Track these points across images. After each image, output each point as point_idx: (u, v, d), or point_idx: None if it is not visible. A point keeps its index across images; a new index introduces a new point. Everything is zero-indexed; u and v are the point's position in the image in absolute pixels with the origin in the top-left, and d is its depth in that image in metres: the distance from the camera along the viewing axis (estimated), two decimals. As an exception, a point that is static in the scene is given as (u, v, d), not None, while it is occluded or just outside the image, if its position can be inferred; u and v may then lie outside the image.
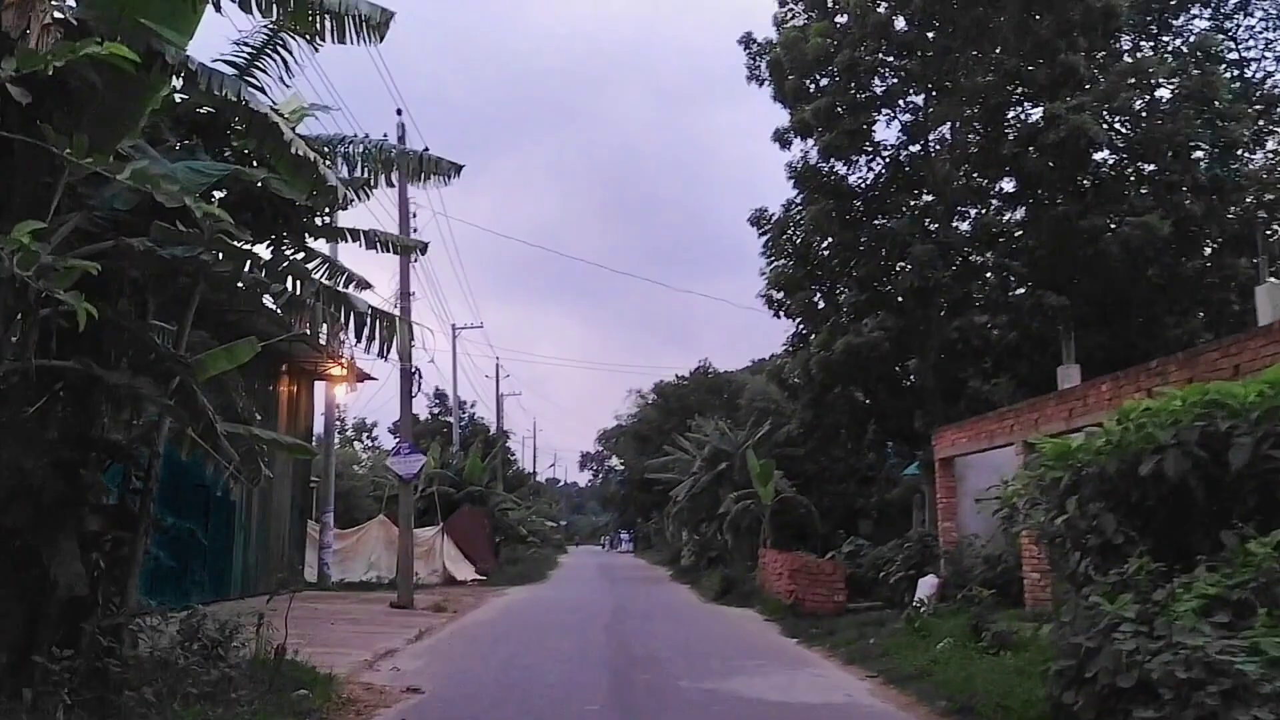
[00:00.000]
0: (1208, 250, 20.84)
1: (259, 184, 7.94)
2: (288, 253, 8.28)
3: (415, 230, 23.20)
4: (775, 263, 21.89)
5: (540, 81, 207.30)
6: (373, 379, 27.49)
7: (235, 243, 6.90)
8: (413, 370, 22.36)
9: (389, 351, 7.85)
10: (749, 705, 9.71)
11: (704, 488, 34.44)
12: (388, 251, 9.70)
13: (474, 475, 38.49)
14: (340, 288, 8.24)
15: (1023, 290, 20.10)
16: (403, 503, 22.97)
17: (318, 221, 9.35)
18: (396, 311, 22.64)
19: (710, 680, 11.19)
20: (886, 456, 34.52)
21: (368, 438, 67.88)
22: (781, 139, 21.70)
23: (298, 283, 7.30)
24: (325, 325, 7.32)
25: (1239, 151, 21.60)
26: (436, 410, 66.86)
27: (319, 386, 27.66)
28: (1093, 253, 20.37)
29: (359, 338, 7.73)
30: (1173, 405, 7.39)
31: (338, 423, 63.87)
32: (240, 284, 7.28)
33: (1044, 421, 14.01)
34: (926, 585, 17.47)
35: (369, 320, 7.77)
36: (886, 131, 21.27)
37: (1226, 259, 20.03)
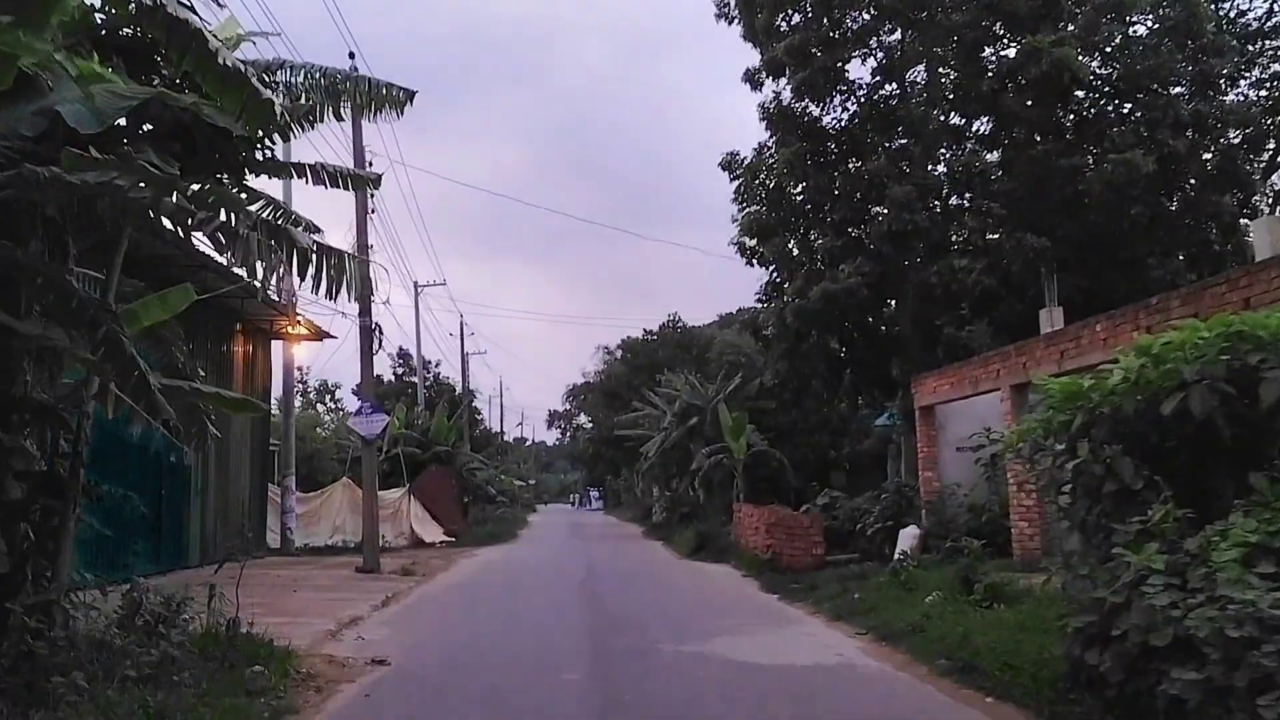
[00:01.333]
0: (1189, 187, 20.36)
1: (188, 110, 7.06)
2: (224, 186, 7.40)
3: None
4: (747, 209, 21.19)
5: (494, 31, 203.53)
6: (332, 337, 26.71)
7: (156, 170, 6.07)
8: (373, 326, 21.46)
9: (338, 293, 7.06)
10: (737, 669, 9.15)
11: (675, 443, 33.98)
12: (337, 186, 8.82)
13: (440, 435, 37.71)
14: (283, 224, 7.37)
15: (1001, 233, 19.52)
16: (365, 464, 22.19)
17: (259, 156, 8.47)
18: (349, 249, 21.84)
19: (693, 642, 10.63)
20: (858, 408, 34.27)
21: (331, 400, 66.68)
22: (752, 79, 20.91)
23: (230, 215, 6.47)
24: (262, 261, 6.49)
25: (1221, 85, 21.09)
26: (401, 371, 65.80)
27: (276, 347, 26.76)
28: (1073, 193, 19.88)
29: (303, 276, 6.93)
30: (1197, 338, 6.80)
31: (300, 385, 62.77)
32: (161, 215, 6.41)
33: (1033, 365, 13.50)
34: (908, 537, 17.06)
35: (315, 257, 6.96)
36: (861, 70, 20.55)
37: (1209, 197, 19.58)
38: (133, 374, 6.68)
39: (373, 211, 22.09)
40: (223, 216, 6.55)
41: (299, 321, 24.45)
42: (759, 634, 11.40)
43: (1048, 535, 14.39)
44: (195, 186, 6.41)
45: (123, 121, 7.33)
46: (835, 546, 20.04)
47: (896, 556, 16.40)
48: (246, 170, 8.52)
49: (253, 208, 7.62)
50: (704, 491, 33.01)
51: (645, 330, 54.84)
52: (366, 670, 9.44)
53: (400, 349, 64.40)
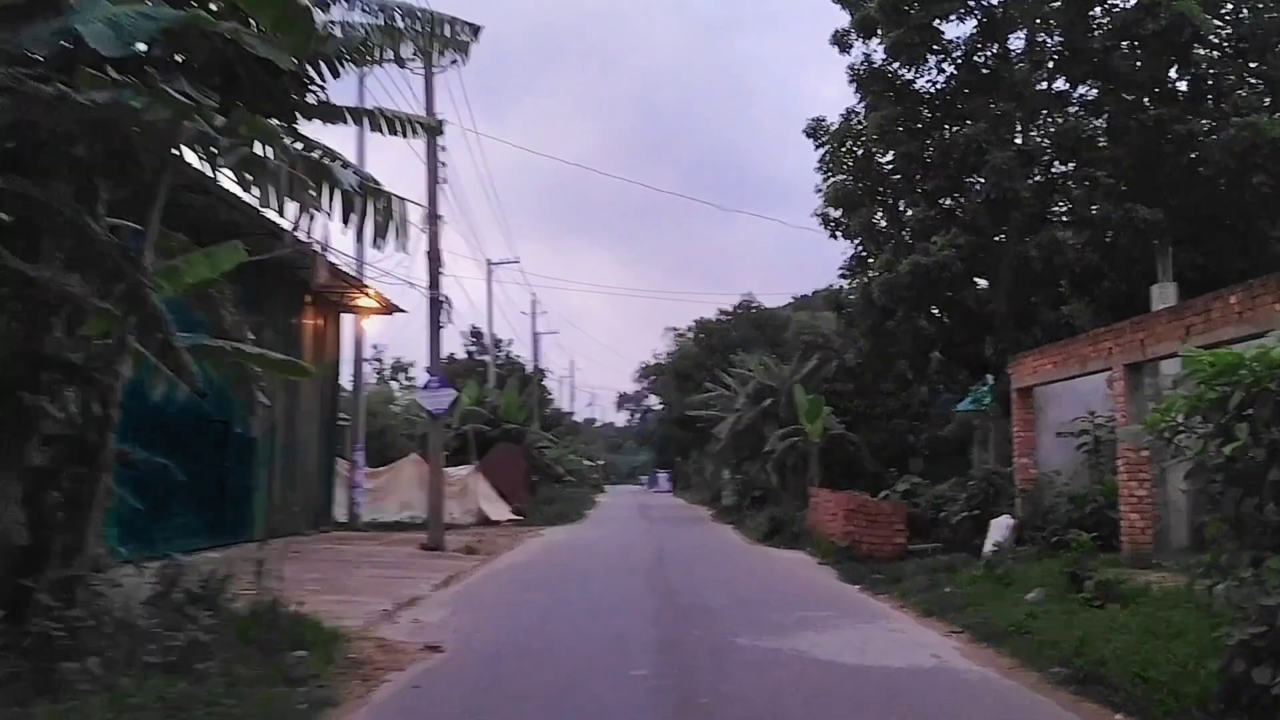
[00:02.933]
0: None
1: (229, 40, 6.34)
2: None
3: (443, 148, 21.57)
4: (833, 178, 20.04)
5: (562, 12, 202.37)
6: (402, 311, 26.25)
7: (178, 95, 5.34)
8: (441, 299, 20.91)
9: (386, 240, 6.30)
10: (822, 669, 8.24)
11: (748, 425, 33.04)
12: (398, 134, 8.07)
13: (510, 413, 37.31)
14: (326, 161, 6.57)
15: (1108, 204, 18.08)
16: (432, 439, 21.71)
17: (310, 99, 7.74)
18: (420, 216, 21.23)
19: (772, 636, 9.74)
20: (938, 392, 32.92)
21: (405, 377, 66.99)
22: (841, 41, 19.73)
23: (263, 147, 5.74)
24: (295, 199, 5.74)
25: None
26: (473, 349, 65.85)
27: (346, 320, 26.45)
28: (1187, 161, 18.35)
29: (346, 219, 6.18)
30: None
31: (375, 362, 63.19)
32: (182, 143, 5.71)
33: (1152, 341, 12.25)
34: (1000, 527, 15.87)
35: (360, 199, 6.19)
36: (959, 29, 19.18)
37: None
38: (156, 329, 5.99)
39: (444, 181, 21.49)
40: (258, 151, 5.80)
41: (368, 292, 24.06)
42: (843, 629, 10.45)
43: (1162, 529, 13.18)
44: (221, 115, 5.66)
45: (155, 51, 6.65)
46: (916, 535, 18.95)
47: (989, 548, 15.25)
48: (297, 114, 7.79)
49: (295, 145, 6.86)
50: (777, 475, 32.02)
51: (719, 310, 53.74)
52: (419, 657, 8.75)
53: (472, 327, 64.37)
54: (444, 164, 21.45)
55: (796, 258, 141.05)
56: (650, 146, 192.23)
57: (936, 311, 19.97)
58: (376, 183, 6.62)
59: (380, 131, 7.93)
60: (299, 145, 7.11)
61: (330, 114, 7.90)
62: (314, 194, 5.96)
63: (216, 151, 5.72)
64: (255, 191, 5.89)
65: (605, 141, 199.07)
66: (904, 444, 33.24)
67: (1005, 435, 24.52)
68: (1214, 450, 6.43)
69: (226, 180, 6.20)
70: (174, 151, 6.83)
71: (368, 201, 6.30)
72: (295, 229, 6.02)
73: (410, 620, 10.94)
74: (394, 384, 59.08)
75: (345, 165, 8.00)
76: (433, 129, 8.59)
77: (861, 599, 13.37)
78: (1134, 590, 10.19)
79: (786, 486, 30.68)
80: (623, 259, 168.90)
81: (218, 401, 17.39)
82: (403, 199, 6.60)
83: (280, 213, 5.95)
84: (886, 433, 32.55)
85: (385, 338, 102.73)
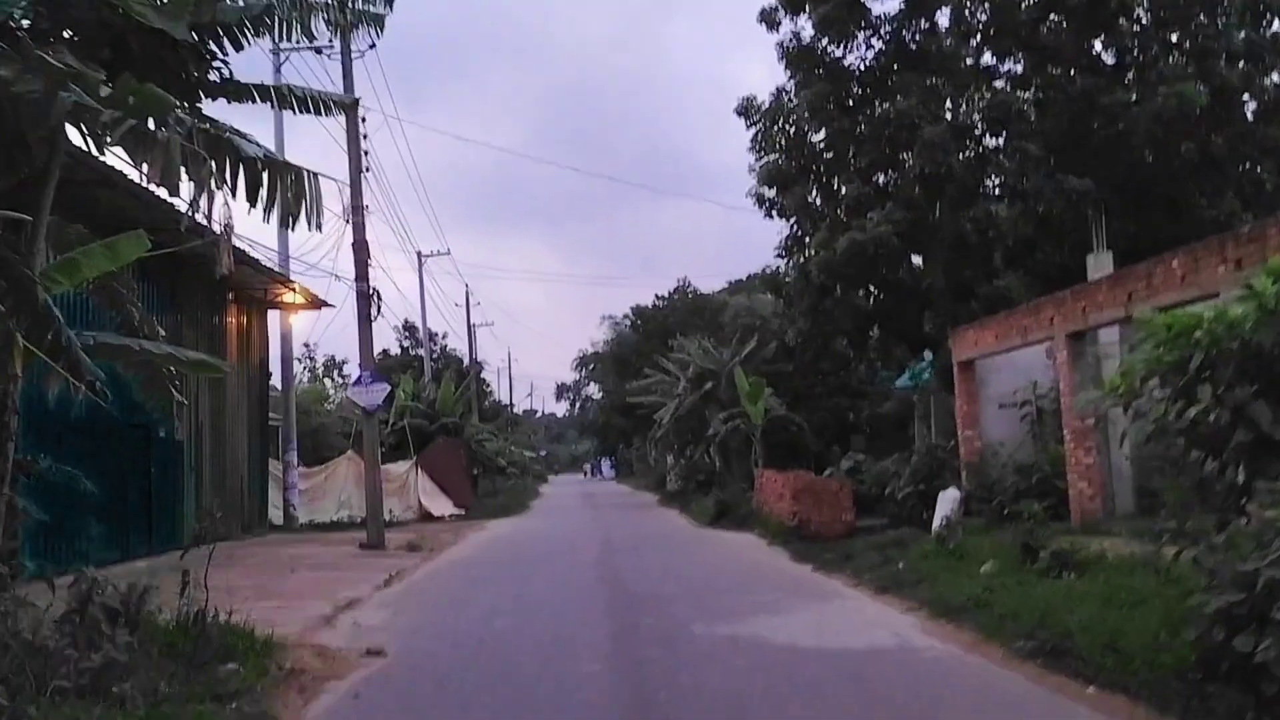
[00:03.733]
0: (1240, 123, 18.91)
1: (116, 6, 5.80)
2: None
3: (365, 135, 20.87)
4: (766, 157, 19.81)
5: (497, 4, 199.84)
6: (330, 305, 25.55)
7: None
8: (370, 290, 20.25)
9: (297, 220, 5.82)
10: (782, 655, 7.97)
11: (690, 409, 32.85)
12: (313, 112, 7.57)
13: (447, 406, 36.63)
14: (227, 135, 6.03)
15: (1040, 175, 18.12)
16: (367, 436, 21.05)
17: (212, 76, 7.19)
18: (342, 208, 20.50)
19: (727, 622, 9.47)
20: (875, 370, 33.08)
21: (338, 374, 65.72)
22: (769, 19, 19.50)
23: (153, 122, 5.22)
24: (190, 172, 5.23)
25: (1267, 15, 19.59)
26: (407, 344, 64.79)
27: (273, 317, 25.60)
28: (1115, 132, 18.48)
29: (253, 199, 5.68)
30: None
31: (307, 360, 61.73)
32: (63, 119, 5.17)
33: (1094, 309, 12.23)
34: (948, 501, 15.83)
35: (266, 172, 5.70)
36: (887, 4, 19.08)
37: (1265, 131, 18.17)
38: (48, 327, 5.45)
39: (367, 169, 20.82)
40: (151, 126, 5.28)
41: (293, 287, 23.29)
42: (799, 611, 10.23)
43: (1108, 496, 13.20)
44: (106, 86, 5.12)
45: (37, 23, 6.08)
46: (864, 512, 18.93)
47: (938, 522, 15.22)
48: (200, 92, 7.24)
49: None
50: (720, 458, 31.91)
51: (656, 295, 53.49)
52: (359, 663, 8.30)
53: (406, 321, 63.33)
54: (367, 151, 20.77)
55: (731, 243, 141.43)
56: (581, 136, 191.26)
57: (874, 288, 19.89)
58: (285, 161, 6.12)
59: (292, 109, 7.41)
60: (203, 126, 6.56)
61: (236, 92, 7.35)
62: (213, 169, 5.42)
63: (101, 128, 5.15)
64: (145, 169, 5.32)
65: (535, 132, 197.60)
66: (844, 422, 33.37)
67: (946, 410, 24.66)
68: (1175, 414, 6.28)
69: (135, 171, 5.59)
70: (65, 135, 6.26)
71: (276, 176, 5.81)
72: (193, 209, 5.48)
73: (350, 624, 10.44)
74: (327, 382, 57.88)
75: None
76: (349, 106, 7.99)
77: (815, 579, 13.19)
78: (1089, 558, 10.14)
79: (731, 469, 30.57)
80: (556, 249, 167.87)
81: (137, 406, 16.80)
82: (315, 174, 6.11)
83: (174, 192, 5.42)
84: (827, 411, 32.63)
85: (316, 335, 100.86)
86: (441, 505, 30.72)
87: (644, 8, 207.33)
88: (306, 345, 64.38)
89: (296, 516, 24.72)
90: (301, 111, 7.46)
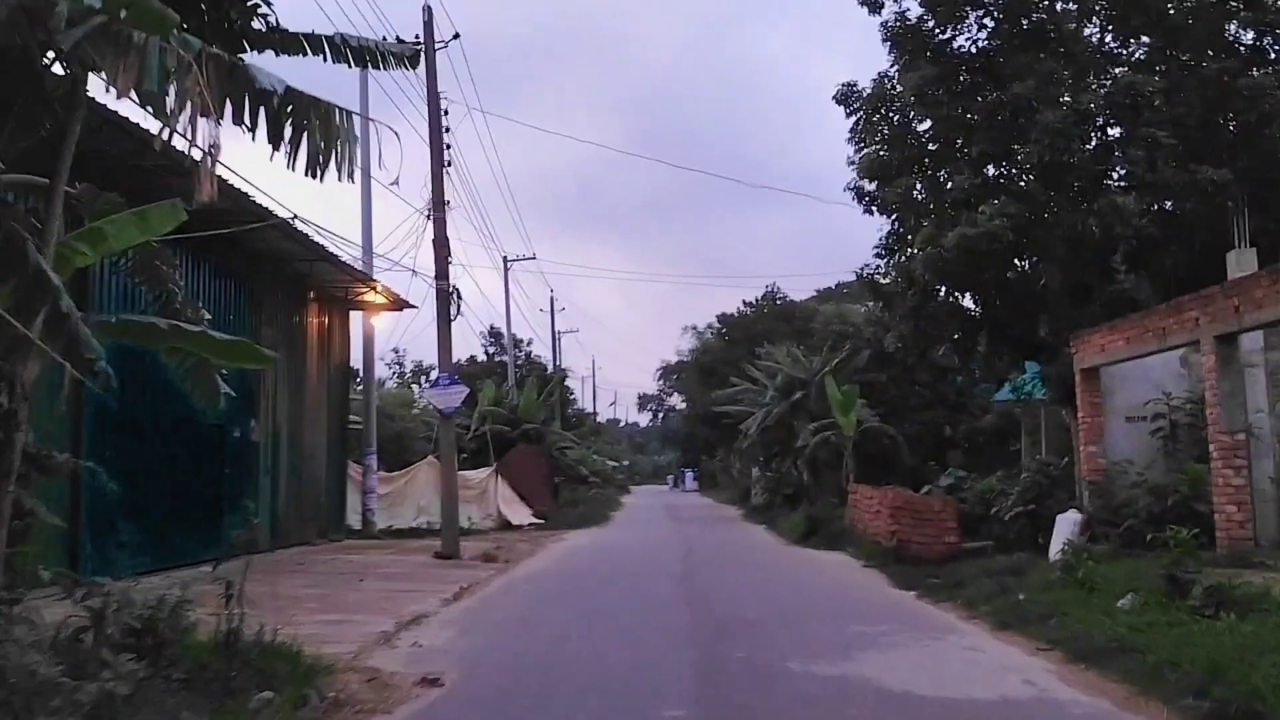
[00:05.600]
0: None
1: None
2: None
3: (448, 129, 20.23)
4: (866, 148, 18.50)
5: (572, 8, 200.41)
6: (412, 306, 25.01)
7: None
8: (450, 289, 19.59)
9: (327, 167, 4.93)
10: (898, 704, 6.79)
11: (777, 419, 31.66)
12: (370, 65, 6.68)
13: (529, 412, 36.00)
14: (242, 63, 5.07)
15: (1170, 167, 16.48)
16: (444, 440, 20.39)
17: (256, 25, 6.35)
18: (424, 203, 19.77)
19: (829, 659, 8.30)
20: (975, 382, 31.48)
21: (425, 380, 65.94)
22: (871, 1, 18.22)
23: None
24: (177, 93, 4.32)
25: None
26: (492, 350, 64.75)
27: (355, 318, 25.22)
28: (1256, 117, 16.74)
29: (275, 141, 4.79)
30: None
31: (395, 365, 62.05)
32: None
33: (1249, 308, 10.73)
34: (1067, 523, 14.38)
35: (285, 110, 4.80)
36: (1001, -19, 17.58)
37: None
38: (46, 299, 4.63)
39: (449, 164, 20.16)
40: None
41: (375, 287, 22.79)
42: (909, 647, 9.00)
43: (1269, 522, 11.65)
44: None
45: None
46: (966, 533, 17.51)
47: (1057, 547, 13.78)
48: (244, 42, 6.40)
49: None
50: (809, 471, 30.64)
51: (743, 302, 52.25)
52: (413, 694, 7.38)
53: (491, 327, 63.29)
54: (449, 145, 20.11)
55: (818, 251, 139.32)
56: (660, 145, 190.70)
57: (983, 290, 18.41)
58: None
59: (348, 63, 6.52)
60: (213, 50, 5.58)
61: (284, 42, 6.50)
62: (199, 79, 4.45)
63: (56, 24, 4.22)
64: (110, 77, 4.41)
65: (617, 137, 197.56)
66: (941, 436, 31.77)
67: (1057, 424, 22.99)
68: None
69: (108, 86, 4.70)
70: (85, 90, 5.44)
71: (305, 115, 4.91)
72: (170, 125, 4.55)
73: (410, 644, 9.57)
74: (415, 387, 58.02)
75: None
76: (411, 57, 7.07)
77: (921, 608, 11.89)
78: (1251, 595, 8.69)
79: (820, 483, 29.27)
80: (637, 257, 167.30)
81: (211, 404, 16.27)
82: (349, 111, 5.19)
83: (159, 112, 4.54)
84: (922, 425, 31.11)
85: (398, 337, 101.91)
86: (521, 514, 30.06)
87: (721, 12, 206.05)
88: (396, 350, 64.93)
89: (375, 522, 24.23)
90: (358, 65, 6.58)
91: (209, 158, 4.56)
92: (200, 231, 10.47)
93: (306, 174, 4.92)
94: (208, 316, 7.45)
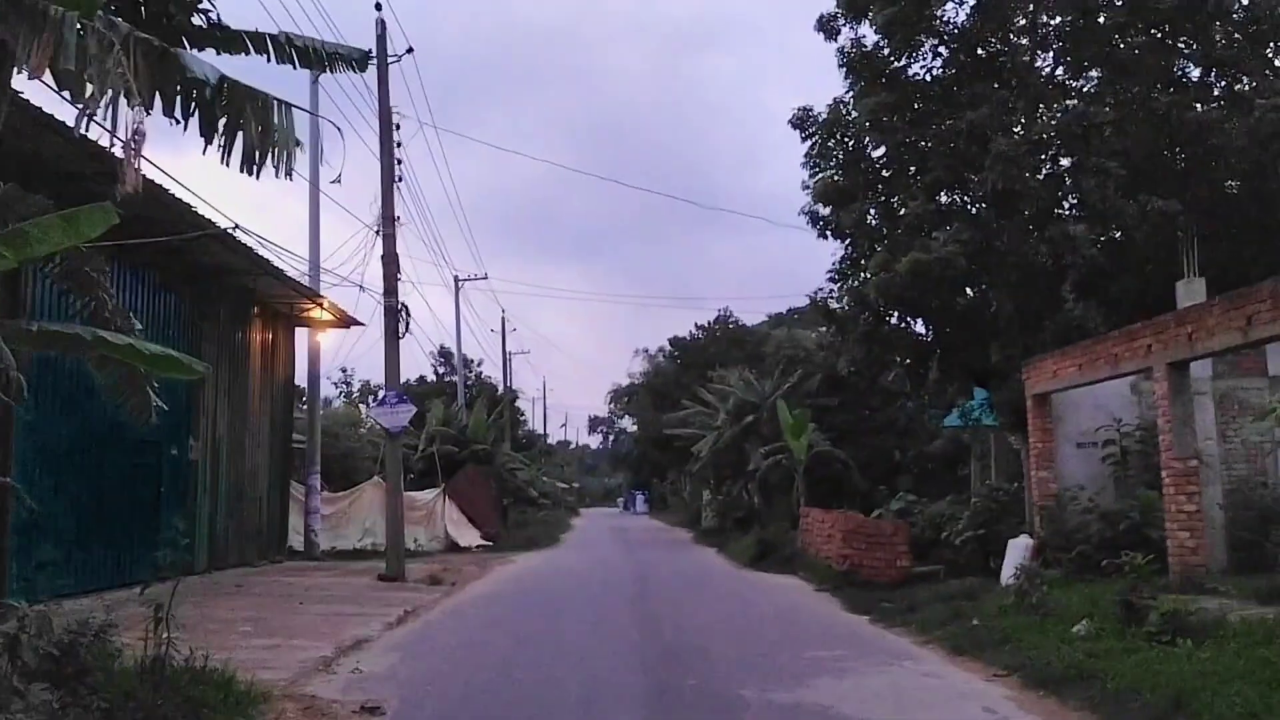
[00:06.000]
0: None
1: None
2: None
3: (399, 144, 19.92)
4: (821, 173, 18.52)
5: (525, 33, 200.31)
6: (360, 324, 24.53)
7: None
8: (399, 307, 19.21)
9: (264, 163, 4.65)
10: (856, 732, 6.60)
11: (728, 443, 31.51)
12: (315, 66, 6.44)
13: (479, 433, 35.48)
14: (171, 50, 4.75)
15: (1120, 197, 16.68)
16: (390, 460, 19.93)
17: (197, 21, 6.05)
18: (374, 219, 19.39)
19: (784, 686, 8.09)
20: (923, 407, 31.75)
21: (373, 399, 65.00)
22: (827, 26, 18.27)
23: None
24: (98, 75, 4.02)
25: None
26: (442, 370, 64.05)
27: (300, 334, 24.68)
28: (1204, 150, 17.05)
29: (209, 135, 4.51)
30: None
31: (343, 385, 61.04)
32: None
33: (1202, 336, 10.77)
34: (1019, 548, 14.33)
35: (218, 100, 4.51)
36: (957, 12, 17.77)
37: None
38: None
39: (400, 179, 19.84)
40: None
41: (321, 303, 22.31)
42: (867, 674, 8.81)
43: (1218, 548, 11.69)
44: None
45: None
46: (917, 558, 17.52)
47: (1009, 572, 13.73)
48: (184, 40, 6.11)
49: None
50: (760, 495, 30.52)
51: (695, 325, 52.25)
52: (350, 722, 7.03)
53: (441, 347, 62.63)
54: (401, 160, 19.80)
55: (770, 276, 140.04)
56: (616, 169, 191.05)
57: (935, 316, 18.47)
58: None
59: (293, 63, 6.25)
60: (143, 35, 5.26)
61: (226, 40, 6.21)
62: (121, 60, 4.15)
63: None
64: (23, 55, 4.07)
65: (570, 164, 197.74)
66: (890, 461, 31.88)
67: (1006, 449, 23.13)
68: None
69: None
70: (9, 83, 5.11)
71: (236, 104, 4.63)
72: (88, 110, 4.25)
73: (350, 670, 9.19)
74: (362, 407, 57.13)
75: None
76: (359, 60, 6.79)
77: (875, 633, 11.74)
78: (1207, 622, 8.65)
79: (771, 507, 29.16)
80: (591, 279, 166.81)
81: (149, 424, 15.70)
82: (287, 104, 4.92)
83: (77, 95, 4.23)
84: (873, 449, 31.20)
85: (345, 356, 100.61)
86: (469, 535, 29.54)
87: (677, 40, 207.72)
88: (344, 370, 63.97)
89: (318, 543, 23.60)
90: (303, 65, 6.33)
91: (132, 147, 4.26)
92: (138, 239, 10.08)
93: (242, 170, 4.64)
94: (138, 326, 7.12)
